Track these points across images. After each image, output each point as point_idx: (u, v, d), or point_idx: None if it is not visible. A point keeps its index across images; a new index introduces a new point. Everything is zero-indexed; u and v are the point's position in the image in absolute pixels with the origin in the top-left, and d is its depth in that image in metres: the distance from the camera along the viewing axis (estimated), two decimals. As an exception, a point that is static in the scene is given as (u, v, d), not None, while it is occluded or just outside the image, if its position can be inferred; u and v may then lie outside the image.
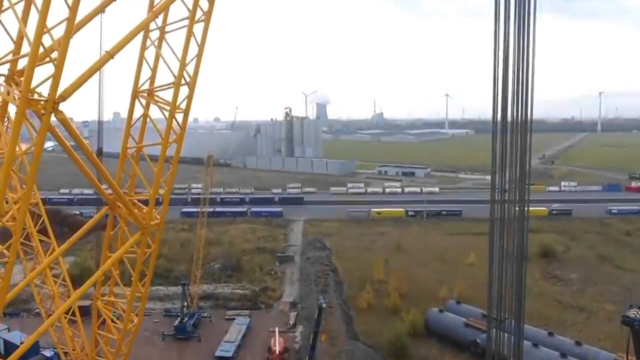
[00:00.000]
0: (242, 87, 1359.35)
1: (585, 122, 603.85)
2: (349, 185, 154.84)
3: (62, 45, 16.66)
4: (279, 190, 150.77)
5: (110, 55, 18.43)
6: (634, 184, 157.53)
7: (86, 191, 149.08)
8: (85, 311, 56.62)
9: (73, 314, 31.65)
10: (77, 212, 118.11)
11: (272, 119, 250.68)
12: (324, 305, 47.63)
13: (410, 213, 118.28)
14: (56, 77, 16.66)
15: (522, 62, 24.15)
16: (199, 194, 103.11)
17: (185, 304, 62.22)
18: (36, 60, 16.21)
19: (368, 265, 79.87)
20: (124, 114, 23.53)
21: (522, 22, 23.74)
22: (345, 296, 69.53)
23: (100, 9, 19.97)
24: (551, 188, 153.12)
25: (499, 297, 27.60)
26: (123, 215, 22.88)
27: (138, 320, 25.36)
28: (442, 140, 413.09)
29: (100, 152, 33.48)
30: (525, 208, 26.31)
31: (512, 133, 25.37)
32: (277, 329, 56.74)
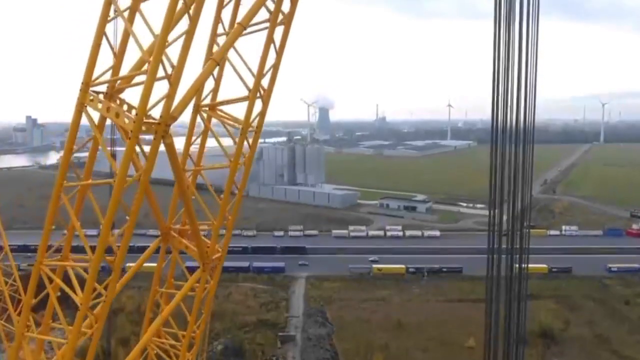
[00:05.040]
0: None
1: (588, 130, 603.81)
2: (351, 228, 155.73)
3: (180, 62, 16.13)
4: (281, 234, 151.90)
5: (215, 61, 17.70)
6: (634, 227, 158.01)
7: (89, 232, 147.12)
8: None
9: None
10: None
11: (274, 144, 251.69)
12: None
13: (410, 269, 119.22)
14: (171, 97, 16.01)
15: (524, 66, 23.24)
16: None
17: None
18: (155, 79, 15.64)
19: (369, 345, 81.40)
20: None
21: (525, 25, 22.76)
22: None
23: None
24: (552, 232, 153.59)
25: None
26: (178, 246, 21.19)
27: None
28: (445, 153, 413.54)
29: None
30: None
31: (511, 147, 24.33)
32: None
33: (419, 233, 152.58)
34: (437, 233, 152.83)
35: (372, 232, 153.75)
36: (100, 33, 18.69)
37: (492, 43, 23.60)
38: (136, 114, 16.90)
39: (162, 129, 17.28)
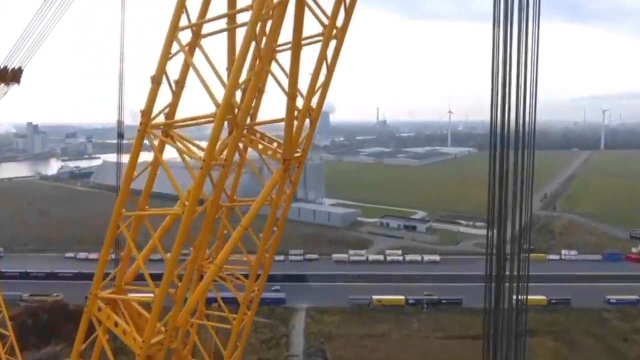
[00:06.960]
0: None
1: (589, 134, 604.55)
2: (351, 252, 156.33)
3: (184, 283, 17.90)
4: (282, 258, 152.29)
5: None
6: (634, 250, 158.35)
7: (93, 256, 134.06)
8: None
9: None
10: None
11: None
12: None
13: (410, 301, 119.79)
14: (175, 314, 17.87)
15: (524, 68, 21.81)
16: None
17: None
18: (160, 308, 17.56)
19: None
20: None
21: (524, 26, 21.35)
22: None
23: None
24: (551, 256, 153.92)
25: None
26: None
27: None
28: (445, 162, 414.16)
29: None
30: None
31: (512, 154, 22.30)
32: None
33: (418, 258, 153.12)
34: (437, 258, 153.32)
35: (372, 257, 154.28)
36: (108, 245, 19.70)
37: (491, 45, 23.50)
38: (143, 341, 17.75)
39: (168, 342, 18.11)
